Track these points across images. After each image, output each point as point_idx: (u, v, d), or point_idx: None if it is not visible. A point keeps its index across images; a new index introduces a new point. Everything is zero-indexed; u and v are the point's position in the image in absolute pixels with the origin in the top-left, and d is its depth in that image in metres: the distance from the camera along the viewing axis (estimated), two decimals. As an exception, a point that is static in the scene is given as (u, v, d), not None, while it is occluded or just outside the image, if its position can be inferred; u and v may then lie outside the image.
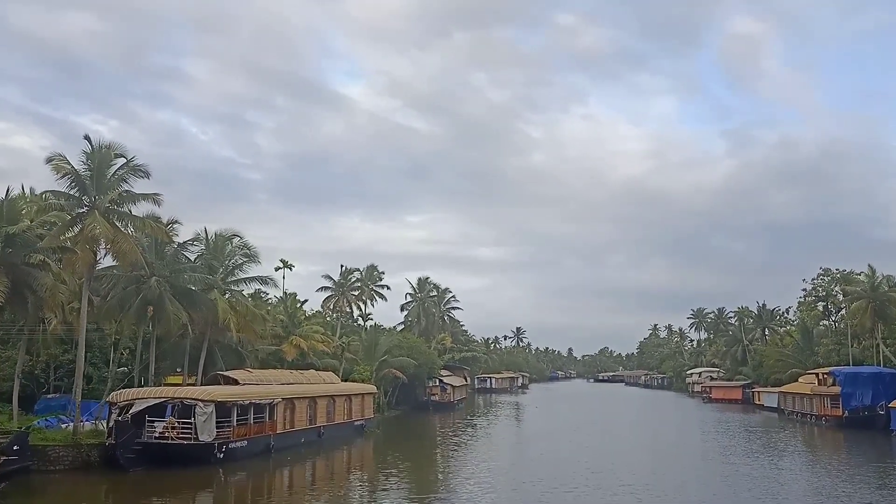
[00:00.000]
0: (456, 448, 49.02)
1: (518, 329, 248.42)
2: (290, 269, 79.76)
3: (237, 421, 37.63)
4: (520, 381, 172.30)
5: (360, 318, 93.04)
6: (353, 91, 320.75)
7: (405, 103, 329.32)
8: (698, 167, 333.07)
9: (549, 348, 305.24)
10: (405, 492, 32.27)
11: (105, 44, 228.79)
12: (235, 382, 42.08)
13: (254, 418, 39.29)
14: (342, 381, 60.51)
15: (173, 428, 34.89)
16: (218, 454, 35.54)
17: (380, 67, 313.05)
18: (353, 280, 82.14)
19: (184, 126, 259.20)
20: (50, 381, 49.09)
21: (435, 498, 29.61)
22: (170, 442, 34.53)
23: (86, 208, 35.67)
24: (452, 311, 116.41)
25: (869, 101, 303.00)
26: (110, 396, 36.79)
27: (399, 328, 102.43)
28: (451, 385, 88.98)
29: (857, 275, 74.94)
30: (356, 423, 53.37)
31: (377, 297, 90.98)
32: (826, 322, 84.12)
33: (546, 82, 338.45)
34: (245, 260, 50.27)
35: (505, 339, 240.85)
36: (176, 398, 35.98)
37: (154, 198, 38.19)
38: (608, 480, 32.26)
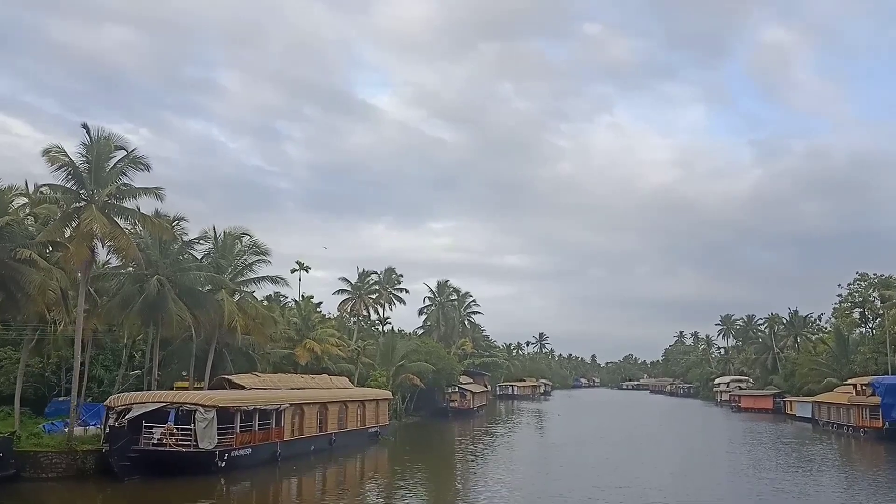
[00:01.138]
0: (473, 458, 46.78)
1: (541, 335, 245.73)
2: (307, 270, 78.37)
3: (241, 427, 35.71)
4: (542, 388, 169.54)
5: (377, 323, 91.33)
6: (381, 101, 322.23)
7: (432, 114, 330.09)
8: (727, 177, 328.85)
9: (573, 355, 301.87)
10: (415, 506, 30.22)
11: (140, 56, 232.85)
12: (241, 387, 40.18)
13: (259, 425, 37.35)
14: (357, 386, 58.67)
15: (171, 434, 33.01)
16: (219, 463, 33.61)
17: (408, 79, 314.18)
18: (370, 283, 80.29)
19: (214, 136, 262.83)
20: (61, 384, 47.68)
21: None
22: (167, 449, 32.64)
23: (83, 202, 33.97)
24: (473, 316, 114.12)
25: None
26: (108, 400, 35.08)
27: (419, 333, 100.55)
28: (471, 391, 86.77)
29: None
30: (370, 430, 51.34)
31: (396, 301, 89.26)
32: (862, 329, 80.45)
33: (573, 93, 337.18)
34: (255, 259, 48.52)
35: (528, 344, 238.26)
36: (176, 403, 34.11)
37: (156, 192, 36.54)
38: (632, 497, 29.83)
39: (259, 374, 43.72)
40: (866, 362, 70.82)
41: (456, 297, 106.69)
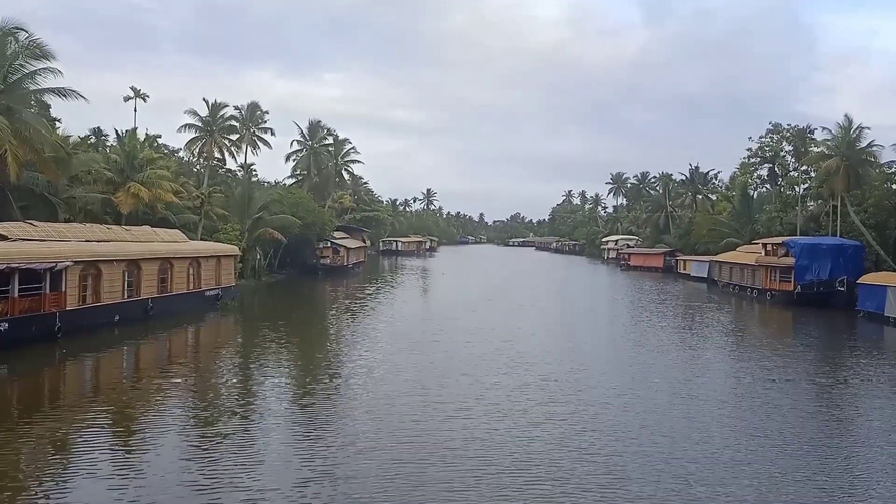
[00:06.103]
0: (332, 323, 38.10)
1: (428, 191, 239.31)
2: (144, 99, 64.62)
3: (-12, 295, 24.99)
4: (428, 244, 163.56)
5: (239, 169, 79.05)
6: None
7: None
8: (615, 37, 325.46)
9: (461, 213, 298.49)
10: (239, 391, 20.95)
11: None
12: (3, 238, 28.75)
13: (22, 290, 26.70)
14: (204, 240, 48.19)
15: None
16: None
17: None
18: (225, 117, 66.88)
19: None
20: None
21: (267, 411, 18.41)
22: None
23: None
24: (352, 166, 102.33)
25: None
26: None
27: (288, 183, 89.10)
28: (346, 247, 77.64)
29: (810, 131, 66.03)
30: (207, 293, 41.46)
31: (260, 145, 76.65)
32: (768, 187, 75.34)
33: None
34: (40, 67, 35.40)
35: (415, 201, 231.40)
36: None
37: None
38: (513, 376, 21.89)
39: (36, 223, 32.08)
40: (770, 222, 66.01)
41: (332, 143, 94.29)
